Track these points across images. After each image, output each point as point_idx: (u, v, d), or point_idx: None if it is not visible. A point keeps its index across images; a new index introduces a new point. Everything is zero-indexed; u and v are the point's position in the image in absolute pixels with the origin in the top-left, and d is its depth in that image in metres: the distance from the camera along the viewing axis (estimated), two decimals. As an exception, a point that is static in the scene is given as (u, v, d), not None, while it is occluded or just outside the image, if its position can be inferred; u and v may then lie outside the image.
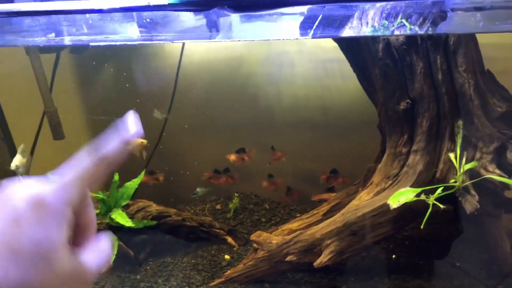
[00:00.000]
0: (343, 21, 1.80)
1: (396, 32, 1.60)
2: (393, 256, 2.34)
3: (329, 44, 2.51)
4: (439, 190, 1.76)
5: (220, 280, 2.26)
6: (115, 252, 2.27)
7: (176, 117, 2.75)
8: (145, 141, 2.29)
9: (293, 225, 2.27)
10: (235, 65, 2.74)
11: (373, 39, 1.84)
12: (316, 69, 2.67)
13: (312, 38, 1.67)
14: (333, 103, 2.74)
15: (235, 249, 2.49)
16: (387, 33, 1.73)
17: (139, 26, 1.98)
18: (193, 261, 2.42)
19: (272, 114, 2.81)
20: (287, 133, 2.78)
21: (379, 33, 1.73)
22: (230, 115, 2.81)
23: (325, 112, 2.77)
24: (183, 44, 2.53)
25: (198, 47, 2.69)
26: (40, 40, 1.70)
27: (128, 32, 1.93)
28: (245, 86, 2.78)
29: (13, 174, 2.33)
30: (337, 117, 2.74)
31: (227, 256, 2.43)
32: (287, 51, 2.68)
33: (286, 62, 2.70)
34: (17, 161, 2.21)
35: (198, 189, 2.72)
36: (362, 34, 1.54)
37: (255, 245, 2.23)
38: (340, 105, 2.73)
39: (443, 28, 1.65)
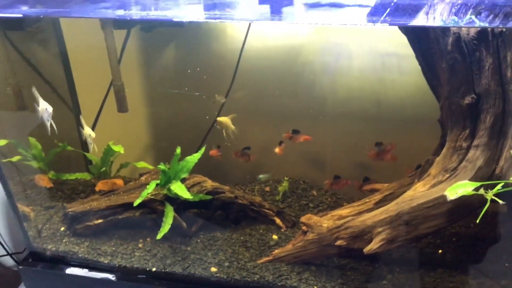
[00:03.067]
0: (414, 11, 1.83)
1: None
2: (440, 251, 2.36)
3: (389, 37, 2.55)
4: (498, 186, 1.76)
5: (268, 258, 2.33)
6: (170, 222, 2.38)
7: (232, 100, 2.83)
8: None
9: (344, 211, 2.32)
10: (294, 53, 2.80)
11: (443, 32, 1.85)
12: (374, 61, 2.69)
13: (382, 23, 1.71)
14: (388, 97, 2.76)
15: (282, 230, 2.56)
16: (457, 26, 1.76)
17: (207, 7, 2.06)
18: (242, 238, 2.51)
19: (325, 104, 2.85)
20: (339, 124, 2.82)
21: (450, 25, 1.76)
22: (284, 102, 2.86)
23: (379, 106, 2.79)
24: (249, 27, 2.60)
25: (260, 33, 2.76)
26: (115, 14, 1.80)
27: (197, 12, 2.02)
28: (301, 74, 2.83)
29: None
30: (391, 112, 2.76)
31: (275, 236, 2.51)
32: (346, 42, 2.71)
33: (344, 53, 2.73)
34: (88, 131, 2.36)
35: (260, 176, 2.81)
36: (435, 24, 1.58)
37: (304, 227, 2.29)
38: (394, 100, 2.74)
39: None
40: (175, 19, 1.66)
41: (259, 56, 2.84)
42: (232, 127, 2.56)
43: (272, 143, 2.82)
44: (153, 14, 1.69)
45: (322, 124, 2.84)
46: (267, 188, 2.90)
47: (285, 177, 2.85)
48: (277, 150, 2.71)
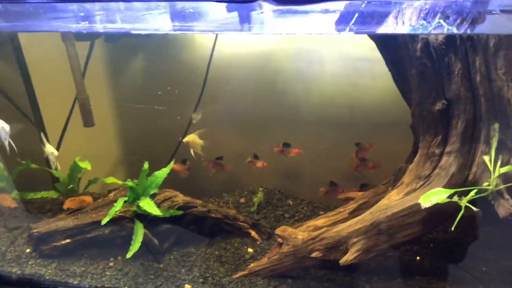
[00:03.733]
0: (380, 19, 1.79)
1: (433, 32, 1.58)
2: (417, 258, 2.33)
3: (361, 42, 2.52)
4: (472, 193, 1.74)
5: (243, 272, 2.27)
6: (141, 240, 2.30)
7: (204, 111, 2.76)
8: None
9: (319, 221, 2.27)
10: (265, 60, 2.75)
11: (412, 38, 1.82)
12: (346, 67, 2.66)
13: (349, 32, 1.67)
14: (361, 102, 2.73)
15: (258, 243, 2.50)
16: (425, 32, 1.72)
17: (174, 17, 1.99)
18: (216, 252, 2.44)
19: (298, 111, 2.81)
20: (313, 130, 2.78)
21: (417, 32, 1.72)
22: (257, 110, 2.81)
23: (353, 111, 2.76)
24: (216, 36, 2.54)
25: (228, 41, 2.70)
26: (78, 26, 1.72)
27: (162, 23, 1.94)
28: (274, 82, 2.78)
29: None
30: (364, 116, 2.73)
31: (250, 250, 2.44)
32: (317, 48, 2.67)
33: (315, 59, 2.70)
34: (50, 149, 2.27)
35: (224, 194, 2.80)
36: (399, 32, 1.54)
37: (279, 239, 2.24)
38: (368, 105, 2.72)
39: (481, 28, 1.64)
40: (133, 32, 1.58)
41: (229, 64, 2.78)
42: (200, 142, 2.50)
43: (246, 153, 2.77)
44: (111, 27, 1.61)
45: (295, 131, 2.80)
46: (242, 200, 2.84)
47: (260, 188, 2.79)
48: (259, 164, 2.67)
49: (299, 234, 2.16)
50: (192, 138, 2.45)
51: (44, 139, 2.33)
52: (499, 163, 1.79)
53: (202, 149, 2.51)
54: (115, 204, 2.28)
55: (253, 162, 2.71)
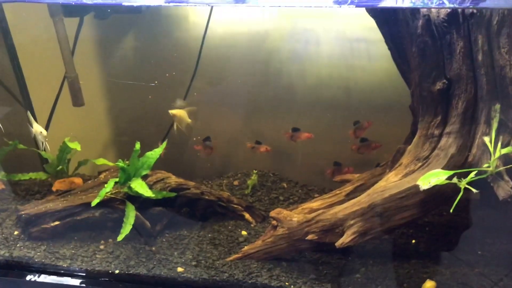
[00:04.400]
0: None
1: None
2: (413, 241, 2.31)
3: (358, 22, 2.46)
4: (472, 174, 1.71)
5: (237, 255, 2.23)
6: (132, 222, 2.25)
7: (196, 91, 2.70)
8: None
9: (314, 204, 2.23)
10: (259, 40, 2.68)
11: (413, 14, 1.77)
12: (343, 47, 2.61)
13: (349, 5, 1.61)
14: (358, 84, 2.68)
15: (252, 225, 2.46)
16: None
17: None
18: (209, 235, 2.40)
19: (293, 92, 2.76)
20: (308, 112, 2.73)
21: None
22: (251, 91, 2.76)
23: (349, 93, 2.71)
24: (210, 12, 2.47)
25: (224, 19, 2.63)
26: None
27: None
28: (268, 62, 2.72)
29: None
30: (360, 98, 2.69)
31: (244, 232, 2.41)
32: (314, 28, 2.61)
33: (312, 39, 2.64)
34: (39, 128, 2.20)
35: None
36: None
37: (274, 222, 2.20)
38: (364, 86, 2.67)
39: (486, 3, 1.59)
40: (125, 3, 1.51)
41: (223, 44, 2.71)
42: (188, 120, 2.42)
43: (241, 134, 2.72)
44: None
45: (291, 113, 2.76)
46: (236, 182, 2.80)
47: (254, 170, 2.74)
48: (262, 149, 2.63)
49: (294, 216, 2.13)
50: (179, 113, 2.36)
51: (31, 118, 2.25)
52: (499, 144, 1.75)
53: (187, 128, 2.42)
54: (105, 185, 2.23)
55: (256, 147, 2.66)
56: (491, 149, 1.75)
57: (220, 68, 2.73)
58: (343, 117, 2.66)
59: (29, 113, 2.25)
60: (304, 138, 2.57)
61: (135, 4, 1.56)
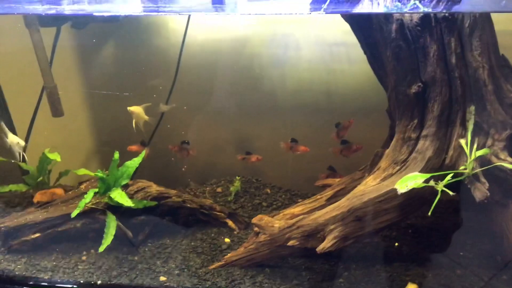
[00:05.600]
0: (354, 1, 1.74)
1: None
2: (396, 244, 2.31)
3: (336, 26, 2.47)
4: (448, 177, 1.72)
5: (220, 263, 2.22)
6: (113, 233, 2.23)
7: (177, 97, 2.69)
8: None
9: (296, 209, 2.23)
10: (239, 46, 2.68)
11: (387, 19, 1.78)
12: (322, 51, 2.61)
13: (321, 12, 1.62)
14: (338, 88, 2.69)
15: (235, 232, 2.45)
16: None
17: None
18: (192, 243, 2.38)
19: (275, 97, 2.76)
20: (290, 116, 2.73)
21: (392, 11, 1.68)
22: (232, 97, 2.75)
23: (330, 96, 2.72)
24: (188, 19, 2.46)
25: (202, 26, 2.63)
26: (41, 8, 1.63)
27: (134, 5, 1.86)
28: (249, 68, 2.72)
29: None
30: (341, 102, 2.70)
31: (227, 240, 2.39)
32: (293, 33, 2.62)
33: (291, 44, 2.64)
34: (15, 139, 2.17)
35: (191, 182, 2.70)
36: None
37: (256, 229, 2.19)
38: (344, 90, 2.68)
39: (460, 7, 1.60)
40: (95, 14, 1.50)
41: (204, 50, 2.70)
42: (146, 117, 2.39)
43: (223, 142, 2.71)
44: (70, 8, 1.53)
45: (273, 117, 2.75)
46: (219, 189, 2.78)
47: (237, 177, 2.73)
48: (253, 159, 2.63)
49: (276, 222, 2.12)
50: (137, 110, 2.34)
51: (6, 129, 2.21)
52: (475, 146, 1.77)
53: (145, 125, 2.38)
54: (85, 195, 2.20)
55: (247, 158, 2.66)
56: (467, 151, 1.76)
57: (200, 74, 2.72)
58: (324, 121, 2.66)
59: (2, 124, 2.20)
60: (301, 151, 2.58)
61: (106, 15, 1.55)
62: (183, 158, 2.62)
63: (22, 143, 2.21)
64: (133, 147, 2.54)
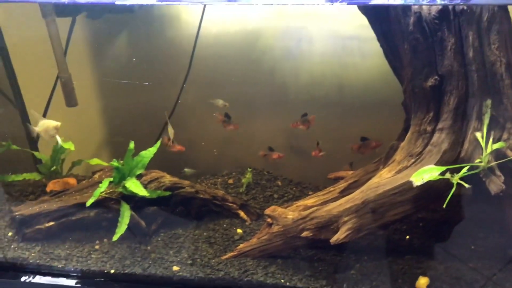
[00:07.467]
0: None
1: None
2: (407, 237, 2.32)
3: (350, 20, 2.47)
4: (464, 170, 1.73)
5: (232, 253, 2.24)
6: (127, 222, 2.25)
7: (190, 89, 2.70)
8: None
9: (309, 201, 2.24)
10: (252, 38, 2.69)
11: (405, 12, 1.78)
12: (335, 45, 2.62)
13: (341, 2, 1.62)
14: (351, 82, 2.69)
15: (247, 223, 2.47)
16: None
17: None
18: (205, 234, 2.40)
19: (287, 90, 2.77)
20: (302, 110, 2.73)
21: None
22: (244, 89, 2.76)
23: (342, 91, 2.72)
24: (203, 9, 2.47)
25: (217, 18, 2.63)
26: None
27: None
28: (261, 60, 2.73)
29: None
30: (353, 96, 2.70)
31: (239, 230, 2.41)
32: (306, 26, 2.62)
33: (304, 38, 2.64)
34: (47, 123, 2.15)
35: (185, 169, 2.73)
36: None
37: (269, 220, 2.21)
38: (357, 84, 2.68)
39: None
40: (117, 3, 1.51)
41: (217, 42, 2.71)
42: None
43: (234, 134, 2.71)
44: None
45: (285, 110, 2.76)
46: (230, 181, 2.80)
47: (248, 168, 2.75)
48: (275, 156, 2.66)
49: (289, 213, 2.14)
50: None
51: (37, 115, 2.20)
52: (491, 139, 1.77)
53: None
54: (100, 185, 2.22)
55: (269, 154, 2.67)
56: (483, 145, 1.77)
57: (214, 67, 2.73)
58: (336, 114, 2.67)
59: (33, 111, 2.19)
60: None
61: (128, 4, 1.56)
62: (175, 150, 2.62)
63: (58, 124, 2.18)
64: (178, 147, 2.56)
